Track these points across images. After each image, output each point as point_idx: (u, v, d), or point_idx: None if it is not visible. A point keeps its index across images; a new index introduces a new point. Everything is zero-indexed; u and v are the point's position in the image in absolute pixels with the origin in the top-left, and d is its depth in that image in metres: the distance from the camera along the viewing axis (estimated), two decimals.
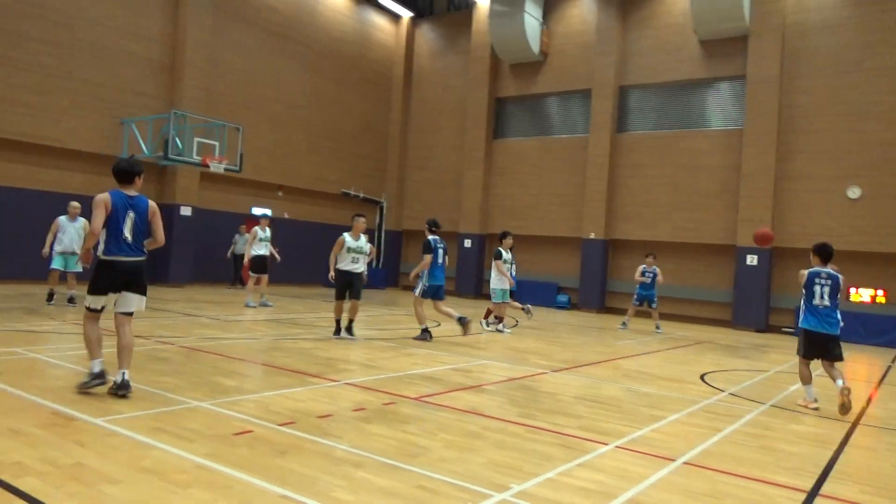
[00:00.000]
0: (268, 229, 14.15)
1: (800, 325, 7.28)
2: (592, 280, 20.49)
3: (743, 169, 18.16)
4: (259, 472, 3.83)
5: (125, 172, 5.64)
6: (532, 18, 21.39)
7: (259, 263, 13.90)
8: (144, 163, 18.11)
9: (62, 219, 11.55)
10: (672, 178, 19.63)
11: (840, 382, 6.74)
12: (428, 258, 10.48)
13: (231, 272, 19.36)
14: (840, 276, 7.21)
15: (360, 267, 10.08)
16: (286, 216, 21.60)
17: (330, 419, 5.13)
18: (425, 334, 10.36)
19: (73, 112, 16.02)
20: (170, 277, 17.60)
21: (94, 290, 5.52)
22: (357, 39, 23.77)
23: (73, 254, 11.43)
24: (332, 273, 10.06)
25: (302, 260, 20.78)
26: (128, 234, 5.52)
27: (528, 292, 21.73)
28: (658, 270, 15.02)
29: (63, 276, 11.63)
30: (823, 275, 7.12)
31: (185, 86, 17.86)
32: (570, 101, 21.94)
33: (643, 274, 14.96)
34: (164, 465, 3.85)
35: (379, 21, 24.75)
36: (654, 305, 15.12)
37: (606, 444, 4.98)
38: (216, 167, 16.49)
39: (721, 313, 18.75)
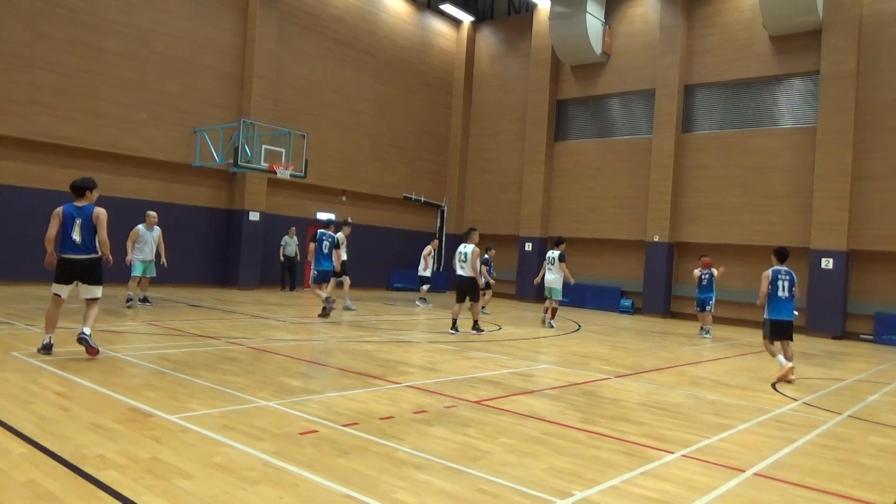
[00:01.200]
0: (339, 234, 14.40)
1: (766, 316, 8.88)
2: (657, 284, 20.02)
3: (816, 169, 17.39)
4: (323, 471, 3.92)
5: (76, 188, 7.15)
6: (594, 19, 21.12)
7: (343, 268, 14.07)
8: (216, 170, 18.87)
9: (141, 228, 12.00)
10: (741, 178, 18.99)
11: (788, 361, 8.68)
12: (311, 247, 12.91)
13: (281, 276, 19.14)
14: (793, 273, 8.91)
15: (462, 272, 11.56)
16: (350, 221, 21.97)
17: (392, 421, 5.21)
18: (325, 312, 12.32)
19: (151, 122, 16.81)
20: (239, 281, 18.22)
21: (56, 280, 7.05)
22: (418, 46, 24.04)
23: (151, 261, 12.06)
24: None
25: (364, 264, 21.13)
26: (76, 236, 6.97)
27: (591, 296, 21.46)
28: (714, 271, 14.70)
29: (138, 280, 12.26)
30: (783, 272, 8.81)
31: (253, 95, 18.48)
32: (632, 101, 21.55)
33: (700, 280, 14.71)
34: (233, 461, 3.99)
35: (440, 27, 24.95)
36: (708, 308, 14.75)
37: (672, 453, 4.86)
38: (282, 173, 16.97)
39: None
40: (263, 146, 16.99)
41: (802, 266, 17.77)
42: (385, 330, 11.42)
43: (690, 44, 20.14)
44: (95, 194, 7.32)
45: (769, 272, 8.79)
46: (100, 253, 7.16)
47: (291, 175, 17.34)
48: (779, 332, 8.84)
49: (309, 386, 6.51)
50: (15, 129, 14.53)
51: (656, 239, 20.09)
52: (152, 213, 12.25)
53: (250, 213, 18.58)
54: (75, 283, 7.15)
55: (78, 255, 7.02)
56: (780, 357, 8.78)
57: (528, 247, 22.82)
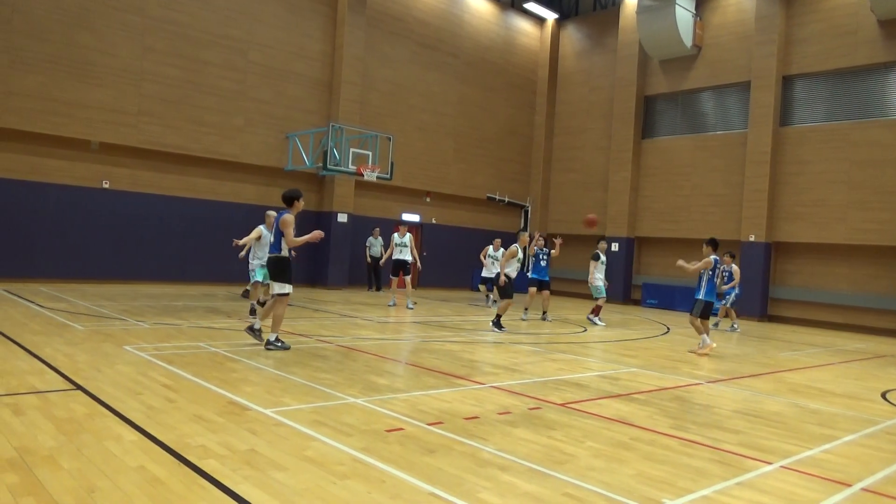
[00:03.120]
0: (408, 235, 14.81)
1: (703, 297, 10.26)
2: (752, 285, 19.05)
3: None
4: (409, 468, 4.00)
5: (285, 198, 8.01)
6: (684, 11, 20.39)
7: (395, 266, 14.75)
8: (306, 173, 19.52)
9: (263, 228, 11.06)
10: (846, 173, 17.79)
11: (708, 339, 10.29)
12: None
13: (367, 276, 19.33)
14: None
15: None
16: (433, 221, 22.27)
17: (476, 421, 5.23)
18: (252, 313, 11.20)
19: (247, 129, 17.65)
20: (328, 280, 18.80)
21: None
22: (502, 46, 24.00)
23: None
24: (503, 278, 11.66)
25: (449, 264, 21.31)
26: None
27: (681, 298, 20.72)
28: (735, 269, 14.73)
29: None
30: (720, 261, 10.47)
31: (341, 100, 19.03)
32: (726, 95, 20.65)
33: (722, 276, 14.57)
34: (324, 456, 4.13)
35: (524, 25, 24.81)
36: (725, 303, 15.03)
37: (770, 464, 4.63)
38: (369, 176, 17.38)
39: None
40: (351, 149, 17.47)
41: None
42: (469, 330, 11.48)
43: (789, 32, 19.07)
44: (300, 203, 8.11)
45: (712, 259, 10.21)
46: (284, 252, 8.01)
47: (378, 177, 17.73)
48: (708, 311, 10.40)
49: (395, 384, 6.64)
50: (127, 138, 15.62)
51: (752, 238, 19.16)
52: (272, 213, 10.67)
53: (338, 214, 19.13)
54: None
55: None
56: (706, 337, 10.31)
57: (615, 247, 22.30)
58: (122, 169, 15.77)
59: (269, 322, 8.31)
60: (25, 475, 3.50)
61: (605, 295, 14.38)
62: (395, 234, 14.87)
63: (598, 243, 14.80)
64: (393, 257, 14.78)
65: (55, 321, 9.13)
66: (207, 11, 16.80)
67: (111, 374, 6.07)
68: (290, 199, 8.00)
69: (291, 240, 7.84)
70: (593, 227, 13.81)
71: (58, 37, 14.57)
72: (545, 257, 14.58)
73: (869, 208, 17.29)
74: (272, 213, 10.57)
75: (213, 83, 16.96)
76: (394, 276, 14.88)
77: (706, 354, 10.24)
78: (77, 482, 3.45)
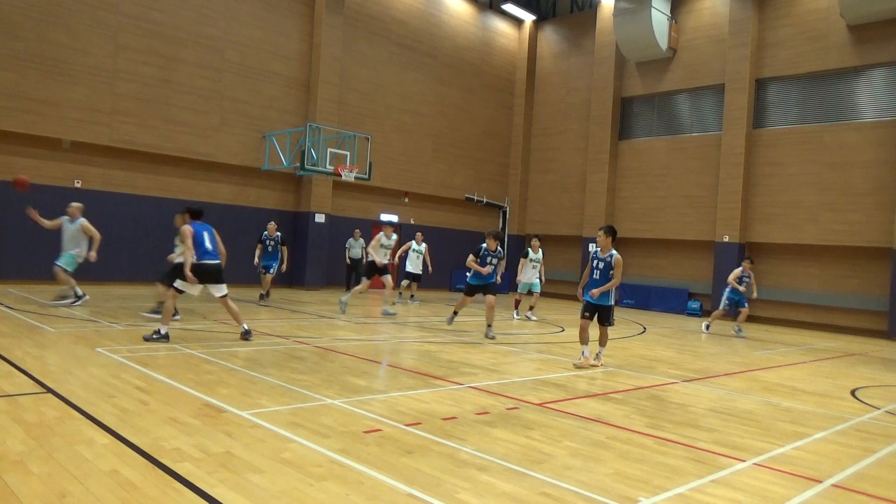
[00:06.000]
0: (394, 236, 14.13)
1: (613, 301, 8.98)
2: (727, 285, 19.29)
3: None
4: (387, 469, 3.99)
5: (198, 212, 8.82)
6: (660, 14, 20.63)
7: (372, 269, 13.39)
8: (283, 174, 19.47)
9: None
10: (817, 175, 18.13)
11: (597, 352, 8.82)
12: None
13: (347, 278, 18.67)
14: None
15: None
16: (412, 222, 22.23)
17: (454, 422, 5.24)
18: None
19: (223, 128, 17.46)
20: (305, 281, 18.68)
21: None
22: (480, 46, 24.06)
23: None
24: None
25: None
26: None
27: (656, 298, 20.96)
28: (752, 275, 14.62)
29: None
30: (597, 259, 8.67)
31: (319, 99, 18.92)
32: (701, 97, 20.93)
33: (741, 280, 14.43)
34: (301, 458, 4.11)
35: (502, 27, 24.89)
36: (745, 305, 14.57)
37: (743, 461, 4.70)
38: (347, 176, 17.30)
39: (874, 323, 17.05)
40: (329, 149, 17.37)
41: (885, 267, 16.85)
42: (447, 331, 11.48)
43: (762, 36, 19.39)
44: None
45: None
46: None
47: (356, 177, 17.65)
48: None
49: (373, 385, 6.62)
50: (100, 137, 15.37)
51: (726, 239, 19.44)
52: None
53: (316, 214, 19.02)
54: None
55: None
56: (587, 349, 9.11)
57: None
58: (95, 168, 15.51)
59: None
60: None
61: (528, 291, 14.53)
62: (381, 235, 13.49)
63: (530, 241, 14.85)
64: (371, 258, 13.36)
65: (25, 323, 8.95)
66: (183, 9, 16.59)
67: (83, 376, 5.97)
68: (199, 213, 8.89)
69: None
70: (23, 189, 11.43)
71: (29, 33, 14.29)
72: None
73: (839, 210, 17.65)
74: (274, 225, 14.43)
75: (188, 82, 16.75)
76: (368, 277, 13.38)
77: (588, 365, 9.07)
78: (47, 487, 3.39)
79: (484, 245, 10.95)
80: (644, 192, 21.87)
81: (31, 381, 5.65)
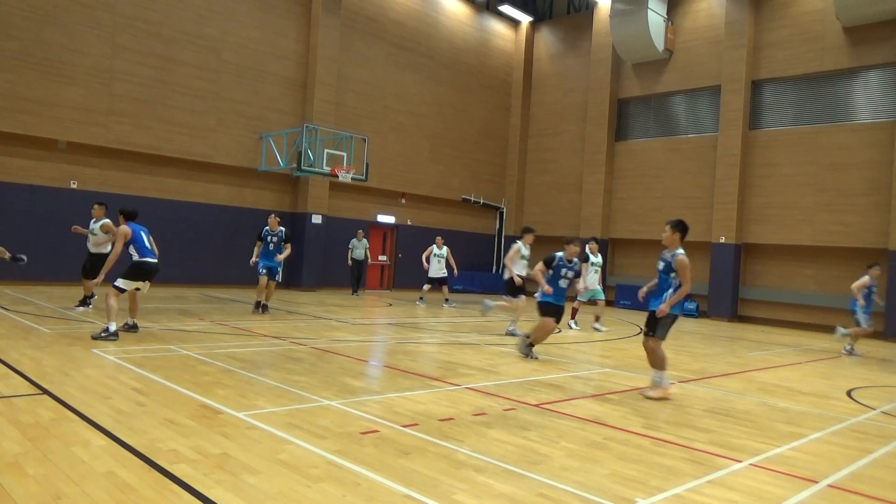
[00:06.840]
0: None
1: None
2: (723, 287, 19.39)
3: None
4: (384, 470, 3.98)
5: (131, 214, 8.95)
6: (656, 15, 20.67)
7: (512, 287, 11.20)
8: (280, 174, 19.36)
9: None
10: (813, 176, 18.19)
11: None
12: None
13: (350, 279, 18.86)
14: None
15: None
16: (409, 223, 22.24)
17: (451, 423, 5.23)
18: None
19: (220, 129, 17.44)
20: (302, 282, 18.66)
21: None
22: (477, 47, 24.07)
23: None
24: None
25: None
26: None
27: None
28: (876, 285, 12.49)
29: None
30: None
31: (316, 100, 18.91)
32: (697, 98, 20.97)
33: (869, 291, 12.27)
34: (298, 459, 4.10)
35: (498, 28, 24.91)
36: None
37: (740, 462, 4.71)
38: (344, 177, 17.28)
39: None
40: (325, 150, 17.36)
41: (882, 268, 16.88)
42: (445, 332, 11.48)
43: (758, 38, 19.45)
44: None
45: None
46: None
47: (353, 178, 17.64)
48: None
49: (370, 386, 6.62)
50: (97, 137, 15.33)
51: (722, 240, 19.48)
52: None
53: (313, 215, 19.00)
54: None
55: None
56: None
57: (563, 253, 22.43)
58: (91, 169, 15.47)
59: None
60: None
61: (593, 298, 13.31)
62: (520, 244, 11.48)
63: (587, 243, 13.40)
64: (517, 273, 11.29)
65: (21, 324, 8.92)
66: (180, 10, 16.56)
67: (79, 377, 5.95)
68: (135, 214, 8.98)
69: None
70: None
71: (25, 34, 14.24)
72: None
73: (835, 210, 17.70)
74: (276, 219, 12.27)
75: (185, 82, 16.72)
76: (513, 296, 11.34)
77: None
78: (43, 489, 3.38)
79: (560, 254, 8.79)
80: (640, 193, 21.90)
81: (27, 383, 5.64)
